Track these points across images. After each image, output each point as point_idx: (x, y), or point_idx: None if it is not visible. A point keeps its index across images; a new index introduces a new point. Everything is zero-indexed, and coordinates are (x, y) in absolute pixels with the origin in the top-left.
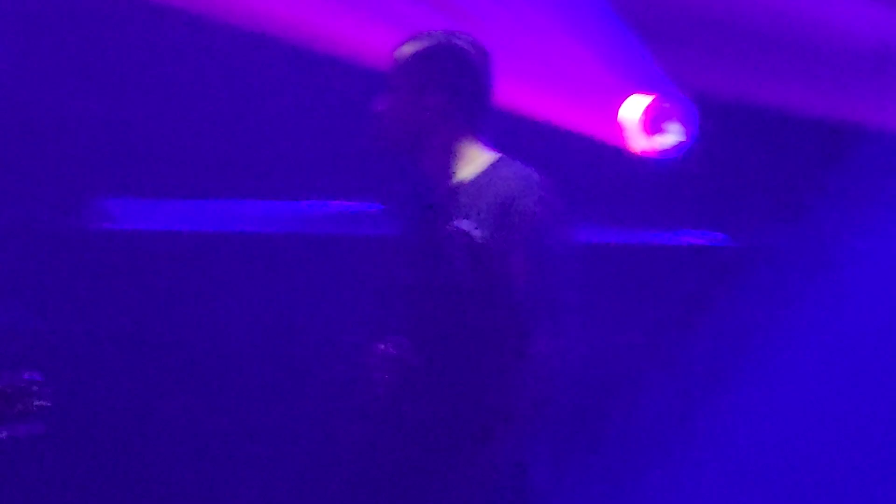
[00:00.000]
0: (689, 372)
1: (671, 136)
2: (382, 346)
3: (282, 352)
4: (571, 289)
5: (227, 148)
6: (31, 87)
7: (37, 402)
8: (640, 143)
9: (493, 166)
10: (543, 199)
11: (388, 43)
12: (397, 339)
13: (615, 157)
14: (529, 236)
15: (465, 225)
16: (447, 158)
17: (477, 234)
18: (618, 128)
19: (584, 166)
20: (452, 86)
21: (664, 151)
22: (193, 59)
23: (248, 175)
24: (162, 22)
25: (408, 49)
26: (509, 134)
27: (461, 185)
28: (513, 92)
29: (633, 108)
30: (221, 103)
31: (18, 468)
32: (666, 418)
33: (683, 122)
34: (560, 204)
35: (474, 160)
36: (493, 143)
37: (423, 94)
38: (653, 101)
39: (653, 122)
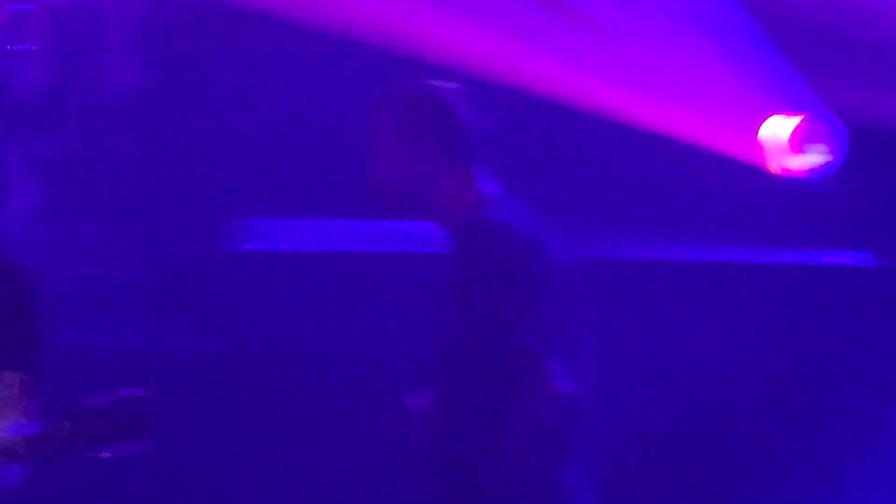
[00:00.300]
0: (841, 392)
1: (818, 157)
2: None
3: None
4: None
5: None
6: (174, 111)
7: (141, 420)
8: (783, 162)
9: (475, 213)
10: (489, 247)
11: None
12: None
13: (761, 177)
14: (478, 288)
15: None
16: (442, 206)
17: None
18: (758, 147)
19: (730, 186)
20: (435, 133)
21: (811, 171)
22: (328, 83)
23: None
24: (302, 45)
25: (385, 106)
26: (652, 155)
27: (448, 235)
28: (656, 112)
29: (777, 127)
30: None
31: (123, 487)
32: (823, 437)
33: (831, 143)
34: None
35: (463, 205)
36: (488, 178)
37: (409, 147)
38: (802, 120)
39: (801, 142)
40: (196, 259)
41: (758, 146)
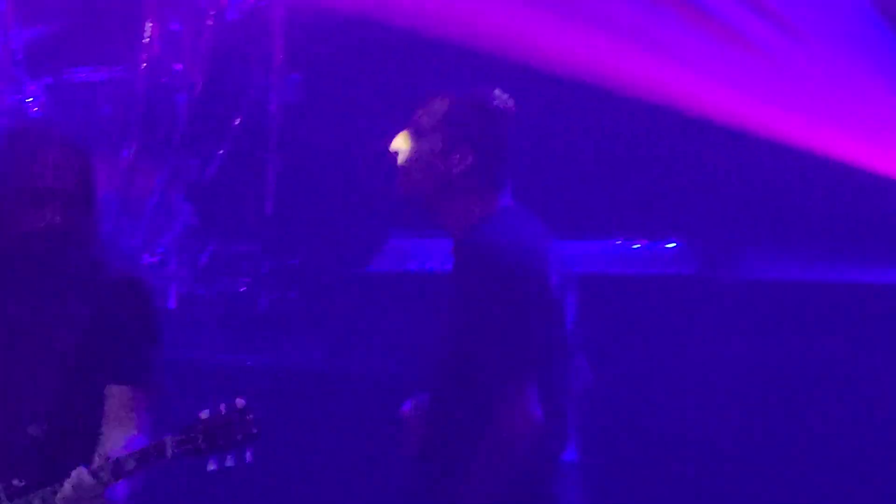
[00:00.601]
0: None
1: None
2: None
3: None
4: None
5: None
6: (321, 129)
7: (247, 432)
8: None
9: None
10: (477, 266)
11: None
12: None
13: None
14: (459, 304)
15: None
16: (459, 215)
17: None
18: None
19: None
20: (476, 145)
21: None
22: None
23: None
24: (445, 61)
25: (436, 105)
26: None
27: (458, 245)
28: (806, 129)
29: None
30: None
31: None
32: None
33: None
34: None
35: (469, 218)
36: (511, 194)
37: (448, 152)
38: None
39: None
40: (349, 279)
41: None
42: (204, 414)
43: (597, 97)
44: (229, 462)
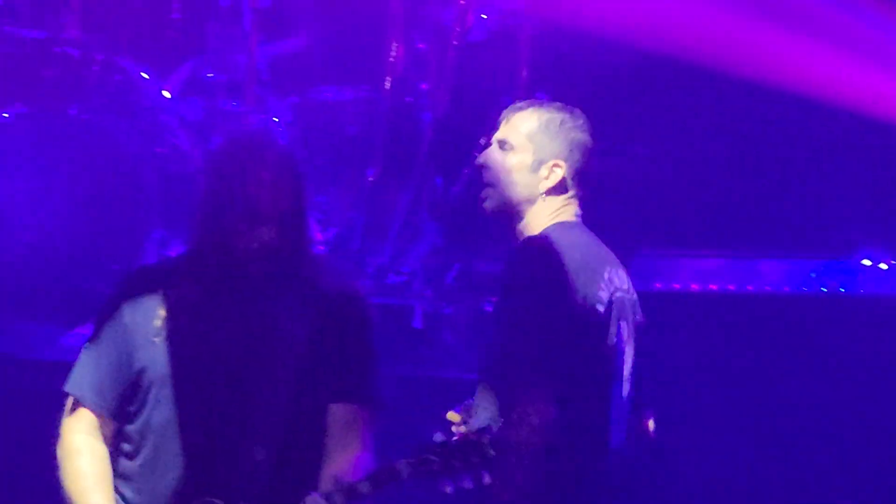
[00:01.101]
0: None
1: None
2: None
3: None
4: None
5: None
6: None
7: (484, 455)
8: None
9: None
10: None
11: None
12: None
13: None
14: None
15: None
16: (532, 227)
17: None
18: None
19: None
20: (567, 158)
21: None
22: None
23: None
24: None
25: (525, 118)
26: None
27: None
28: None
29: None
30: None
31: None
32: None
33: None
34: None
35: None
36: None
37: (538, 166)
38: None
39: None
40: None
41: None
42: (439, 436)
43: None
44: (466, 484)
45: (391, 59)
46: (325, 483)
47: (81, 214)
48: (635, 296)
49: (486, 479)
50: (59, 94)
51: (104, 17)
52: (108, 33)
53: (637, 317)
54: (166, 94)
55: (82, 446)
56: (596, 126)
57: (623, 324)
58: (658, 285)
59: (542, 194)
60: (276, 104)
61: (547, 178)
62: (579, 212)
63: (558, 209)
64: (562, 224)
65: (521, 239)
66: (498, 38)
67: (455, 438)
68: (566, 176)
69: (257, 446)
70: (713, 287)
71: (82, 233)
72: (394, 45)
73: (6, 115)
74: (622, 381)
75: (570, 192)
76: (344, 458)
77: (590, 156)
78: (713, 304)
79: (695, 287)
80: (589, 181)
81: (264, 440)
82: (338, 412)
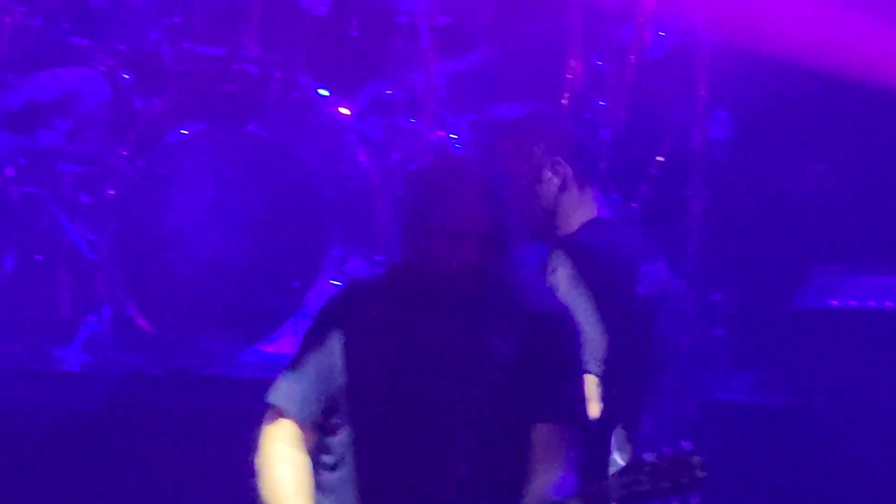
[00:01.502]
0: None
1: None
2: None
3: None
4: None
5: None
6: (747, 164)
7: (693, 476)
8: None
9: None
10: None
11: None
12: None
13: None
14: None
15: None
16: (560, 226)
17: None
18: None
19: None
20: (568, 155)
21: None
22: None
23: None
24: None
25: (510, 130)
26: None
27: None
28: None
29: None
30: None
31: None
32: None
33: None
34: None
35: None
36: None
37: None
38: None
39: None
40: (772, 315)
41: None
42: (649, 456)
43: None
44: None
45: (569, 76)
46: (530, 500)
47: (260, 231)
48: (674, 286)
49: (695, 502)
50: (238, 111)
51: (282, 35)
52: (287, 51)
53: (675, 306)
54: (345, 110)
55: (284, 456)
56: (775, 144)
57: (662, 316)
58: (834, 302)
59: (557, 194)
60: (454, 121)
61: (557, 176)
62: (605, 208)
63: (579, 205)
64: (596, 220)
65: (558, 239)
66: (676, 55)
67: (663, 458)
68: (575, 171)
69: (459, 462)
70: (890, 304)
71: (260, 249)
72: (572, 62)
73: (185, 132)
74: (666, 371)
75: (583, 185)
76: (547, 477)
77: (587, 146)
78: (890, 321)
79: (871, 304)
80: (595, 172)
81: (466, 456)
82: (541, 431)
